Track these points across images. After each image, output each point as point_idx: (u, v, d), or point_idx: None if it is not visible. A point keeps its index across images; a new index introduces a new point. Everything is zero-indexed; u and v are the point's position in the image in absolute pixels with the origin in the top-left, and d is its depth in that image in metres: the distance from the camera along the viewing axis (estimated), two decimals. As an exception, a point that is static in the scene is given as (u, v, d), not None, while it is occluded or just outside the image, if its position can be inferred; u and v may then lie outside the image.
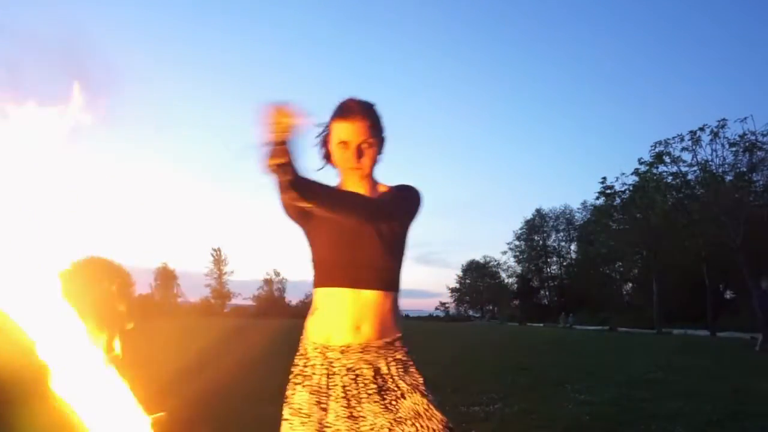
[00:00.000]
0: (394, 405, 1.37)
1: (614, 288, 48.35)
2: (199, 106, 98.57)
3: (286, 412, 1.41)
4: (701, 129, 23.46)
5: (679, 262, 29.61)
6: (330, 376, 1.40)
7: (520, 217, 76.24)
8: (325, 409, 1.37)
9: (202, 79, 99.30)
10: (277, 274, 72.13)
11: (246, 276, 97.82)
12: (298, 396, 1.41)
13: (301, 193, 1.24)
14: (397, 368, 1.42)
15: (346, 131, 1.44)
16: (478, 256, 68.95)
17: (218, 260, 68.49)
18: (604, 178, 31.57)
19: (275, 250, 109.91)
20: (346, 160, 1.47)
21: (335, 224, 1.42)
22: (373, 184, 1.55)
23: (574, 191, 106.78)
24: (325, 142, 1.54)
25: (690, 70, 79.01)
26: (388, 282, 1.46)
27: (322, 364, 1.41)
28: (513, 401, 5.83)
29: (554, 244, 59.34)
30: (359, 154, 1.45)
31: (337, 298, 1.42)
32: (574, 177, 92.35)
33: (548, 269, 59.24)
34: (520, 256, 60.06)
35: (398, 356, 1.44)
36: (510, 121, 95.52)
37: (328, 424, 1.36)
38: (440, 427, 1.36)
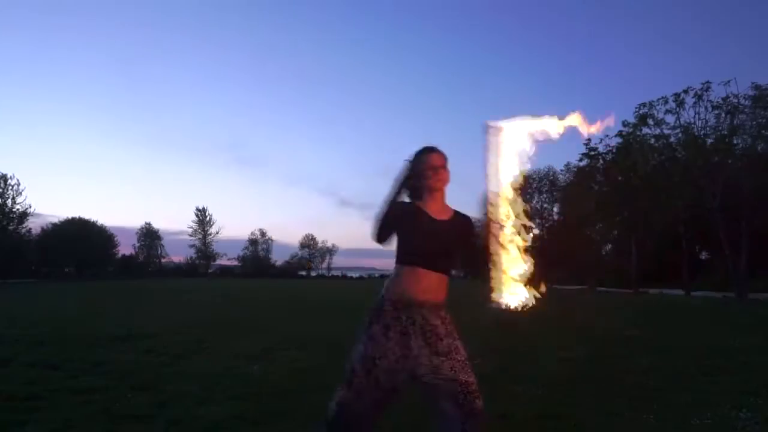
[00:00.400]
0: (435, 342, 2.03)
1: (594, 249, 49.23)
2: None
3: (363, 338, 2.09)
4: (685, 91, 23.48)
5: (658, 223, 30.16)
6: (396, 319, 2.06)
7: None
8: (389, 338, 2.04)
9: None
10: (263, 234, 71.99)
11: (232, 233, 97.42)
12: (373, 328, 2.08)
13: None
14: (441, 320, 2.08)
15: (437, 159, 2.17)
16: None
17: (203, 221, 67.97)
18: (588, 139, 31.64)
19: (261, 209, 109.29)
20: (437, 180, 2.16)
21: (425, 236, 2.13)
22: (444, 200, 2.22)
23: (557, 153, 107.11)
24: (408, 180, 2.21)
25: (675, 33, 78.48)
26: (450, 269, 2.19)
27: (393, 310, 2.08)
28: (492, 359, 5.99)
29: (537, 206, 59.86)
30: (439, 174, 2.16)
31: (413, 272, 2.11)
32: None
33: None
34: (503, 218, 60.51)
35: (442, 314, 2.11)
36: (495, 79, 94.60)
37: (388, 347, 2.02)
38: (463, 359, 2.05)
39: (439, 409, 2.00)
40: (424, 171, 2.17)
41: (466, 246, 2.23)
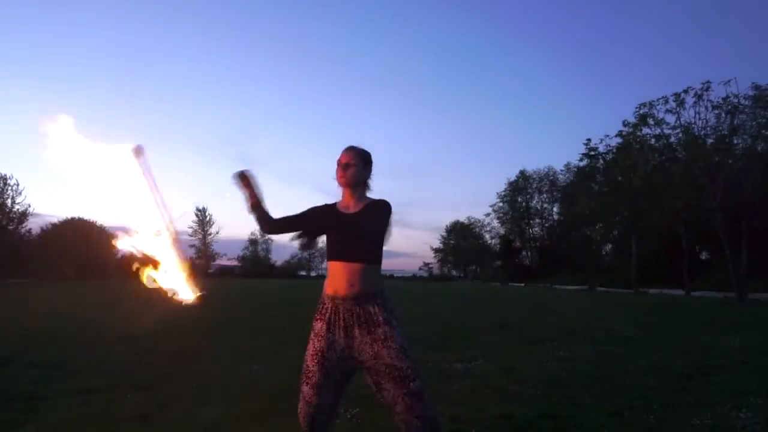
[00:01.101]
0: (373, 330, 2.18)
1: (594, 249, 49.22)
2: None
3: (311, 335, 2.28)
4: (685, 91, 23.45)
5: (658, 223, 30.13)
6: (335, 312, 2.23)
7: (504, 178, 76.60)
8: (332, 332, 2.22)
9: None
10: (263, 233, 71.84)
11: (231, 233, 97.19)
12: (317, 325, 2.27)
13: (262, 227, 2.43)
14: (377, 308, 2.21)
15: (342, 157, 2.33)
16: (462, 217, 69.52)
17: (203, 221, 67.96)
18: (589, 139, 31.61)
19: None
20: (339, 177, 2.32)
21: (335, 232, 2.32)
22: (361, 194, 2.35)
23: (558, 153, 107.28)
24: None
25: (675, 32, 78.47)
26: (369, 258, 2.26)
27: (332, 305, 2.25)
28: (493, 358, 5.99)
29: (537, 206, 59.85)
30: (343, 170, 2.31)
31: (336, 267, 2.26)
32: (559, 138, 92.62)
33: (530, 230, 59.92)
34: (504, 218, 60.51)
35: (378, 301, 2.24)
36: (495, 78, 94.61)
37: (333, 340, 2.21)
38: (398, 346, 2.16)
39: (383, 391, 2.17)
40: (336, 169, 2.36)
41: (378, 231, 2.30)
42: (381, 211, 2.32)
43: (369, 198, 2.36)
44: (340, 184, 2.33)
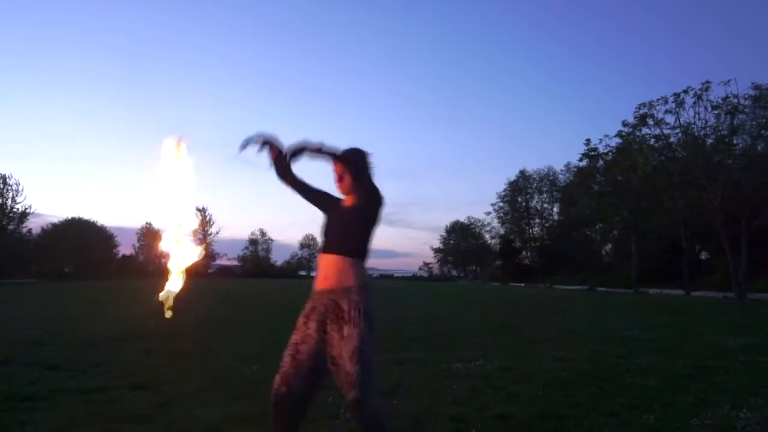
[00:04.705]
0: (342, 327, 2.22)
1: (594, 249, 49.20)
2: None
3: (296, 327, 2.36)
4: (685, 91, 23.42)
5: (658, 223, 30.13)
6: (312, 308, 2.34)
7: (504, 178, 76.63)
8: (308, 326, 2.32)
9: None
10: (263, 234, 71.87)
11: (232, 233, 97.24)
12: (299, 319, 2.37)
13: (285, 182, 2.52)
14: (349, 304, 2.24)
15: (333, 167, 2.41)
16: (462, 217, 69.53)
17: (203, 221, 67.87)
18: (588, 139, 31.66)
19: (261, 209, 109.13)
20: (336, 184, 2.44)
21: (325, 226, 2.45)
22: (358, 195, 2.40)
23: (558, 153, 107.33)
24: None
25: (676, 32, 78.50)
26: (343, 251, 2.32)
27: (312, 299, 2.37)
28: (494, 358, 5.99)
29: (537, 206, 59.84)
30: (338, 180, 2.42)
31: (320, 261, 2.41)
32: (559, 138, 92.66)
33: (530, 230, 59.90)
34: (504, 218, 60.51)
35: (352, 297, 2.26)
36: (496, 79, 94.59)
37: (308, 333, 2.31)
38: (353, 347, 2.16)
39: None
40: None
41: (359, 224, 2.39)
42: (366, 204, 2.39)
43: (362, 193, 2.41)
44: (338, 191, 2.46)
